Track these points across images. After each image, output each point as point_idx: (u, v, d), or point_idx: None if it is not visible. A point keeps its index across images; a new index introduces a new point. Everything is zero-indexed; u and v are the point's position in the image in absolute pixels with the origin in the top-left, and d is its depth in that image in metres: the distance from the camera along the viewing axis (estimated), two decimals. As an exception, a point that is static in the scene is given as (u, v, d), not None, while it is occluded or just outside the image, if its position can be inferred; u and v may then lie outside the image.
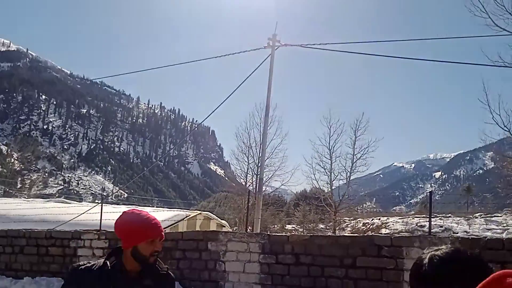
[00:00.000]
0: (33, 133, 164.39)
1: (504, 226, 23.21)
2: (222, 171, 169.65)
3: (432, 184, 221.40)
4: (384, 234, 20.29)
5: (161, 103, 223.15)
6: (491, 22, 10.95)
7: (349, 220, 29.91)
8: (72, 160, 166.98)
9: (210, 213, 19.57)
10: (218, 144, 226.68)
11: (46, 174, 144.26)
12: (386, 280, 6.00)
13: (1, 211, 12.47)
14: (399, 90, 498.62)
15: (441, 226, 24.45)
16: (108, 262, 2.01)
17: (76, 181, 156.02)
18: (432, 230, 10.93)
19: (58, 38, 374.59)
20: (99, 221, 8.91)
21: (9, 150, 63.97)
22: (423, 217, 27.99)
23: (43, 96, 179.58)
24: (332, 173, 22.86)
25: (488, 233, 20.89)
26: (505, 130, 13.99)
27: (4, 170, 49.97)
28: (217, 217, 19.65)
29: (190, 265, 7.28)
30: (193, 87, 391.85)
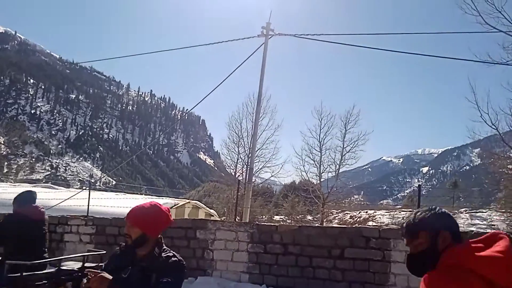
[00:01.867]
0: (20, 118, 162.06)
1: (488, 222, 23.59)
2: (212, 161, 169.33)
3: (420, 179, 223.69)
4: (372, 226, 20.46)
5: (151, 90, 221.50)
6: (482, 20, 10.99)
7: (336, 212, 30.09)
8: (60, 146, 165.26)
9: (199, 202, 19.55)
10: (208, 134, 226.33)
11: (33, 159, 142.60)
12: (373, 271, 6.05)
13: (-14, 195, 12.28)
14: (390, 84, 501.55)
15: (427, 220, 24.75)
16: (120, 247, 2.49)
17: (64, 167, 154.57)
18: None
19: (47, 21, 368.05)
20: (87, 207, 8.83)
21: (-5, 134, 63.00)
22: (409, 211, 28.29)
23: (31, 80, 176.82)
24: (322, 166, 22.96)
25: (473, 228, 21.22)
26: (493, 128, 14.12)
27: (-10, 154, 49.35)
28: (205, 206, 19.64)
29: (178, 253, 7.26)
30: (184, 75, 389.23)
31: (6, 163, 49.50)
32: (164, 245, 2.49)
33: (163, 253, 2.42)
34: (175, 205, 15.64)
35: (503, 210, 19.05)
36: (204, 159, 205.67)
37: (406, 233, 1.86)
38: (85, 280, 2.26)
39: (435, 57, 33.92)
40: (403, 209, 31.39)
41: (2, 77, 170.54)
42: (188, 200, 18.91)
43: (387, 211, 30.95)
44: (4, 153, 49.57)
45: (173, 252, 2.48)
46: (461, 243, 1.72)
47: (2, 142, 52.22)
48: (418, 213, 1.89)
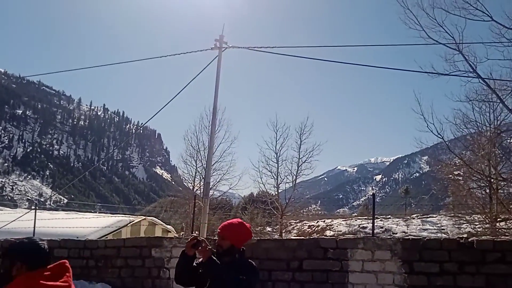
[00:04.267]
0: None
1: (438, 226, 24.61)
2: (169, 175, 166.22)
3: (373, 187, 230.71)
4: (329, 236, 20.75)
5: (104, 104, 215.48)
6: (425, 35, 11.54)
7: (295, 222, 30.34)
8: (6, 164, 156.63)
9: (155, 219, 19.04)
10: (165, 148, 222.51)
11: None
12: (332, 282, 6.07)
13: None
14: (342, 95, 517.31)
15: (382, 227, 25.51)
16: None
17: (11, 187, 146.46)
18: (374, 231, 11.26)
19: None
20: (33, 228, 8.33)
21: None
22: (365, 218, 29.04)
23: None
24: (279, 177, 23.11)
25: (425, 233, 22.07)
26: (439, 137, 14.82)
27: None
28: (162, 223, 19.16)
29: (133, 273, 6.97)
30: (138, 88, 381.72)
31: None
32: (244, 254, 3.15)
33: (242, 260, 3.07)
34: (130, 222, 15.14)
35: (452, 215, 19.94)
36: (160, 174, 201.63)
37: (4, 258, 2.33)
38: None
39: (384, 68, 35.40)
40: (359, 217, 32.14)
41: None
42: (144, 217, 18.35)
43: (344, 219, 31.55)
44: None
45: (250, 260, 3.12)
46: (32, 271, 2.23)
47: None
48: (15, 244, 2.37)
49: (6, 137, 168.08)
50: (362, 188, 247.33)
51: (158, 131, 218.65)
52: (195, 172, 23.58)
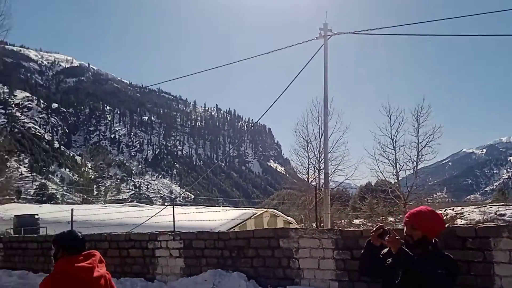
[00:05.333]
0: (102, 143, 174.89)
1: None
2: (282, 168, 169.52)
3: (509, 169, 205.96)
4: (461, 224, 19.14)
5: (216, 105, 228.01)
6: None
7: (419, 211, 28.61)
8: (140, 166, 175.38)
9: (276, 211, 19.64)
10: (276, 142, 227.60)
11: (118, 180, 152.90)
12: (475, 274, 5.61)
13: (83, 216, 13.37)
14: (464, 71, 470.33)
15: (524, 214, 22.65)
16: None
17: (146, 186, 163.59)
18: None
19: (114, 50, 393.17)
20: (172, 222, 9.21)
21: (83, 160, 68.50)
22: (502, 205, 26.09)
23: (108, 107, 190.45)
24: (397, 164, 22.10)
25: None
26: None
27: (81, 178, 53.66)
28: (283, 214, 19.67)
29: (264, 263, 7.29)
30: (245, 85, 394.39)
31: (95, 186, 53.49)
32: (438, 246, 2.84)
33: (437, 252, 2.76)
34: (253, 214, 15.86)
35: None
36: (274, 167, 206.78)
37: (54, 245, 3.04)
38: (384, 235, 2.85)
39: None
40: (494, 204, 28.98)
41: (82, 107, 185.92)
42: (265, 209, 19.06)
43: (476, 207, 28.72)
44: (92, 176, 53.63)
45: (447, 253, 2.80)
46: (70, 255, 2.88)
47: (90, 167, 56.59)
48: (59, 234, 3.06)
49: (137, 142, 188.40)
50: (495, 171, 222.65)
51: (268, 126, 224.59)
52: (308, 163, 23.68)
